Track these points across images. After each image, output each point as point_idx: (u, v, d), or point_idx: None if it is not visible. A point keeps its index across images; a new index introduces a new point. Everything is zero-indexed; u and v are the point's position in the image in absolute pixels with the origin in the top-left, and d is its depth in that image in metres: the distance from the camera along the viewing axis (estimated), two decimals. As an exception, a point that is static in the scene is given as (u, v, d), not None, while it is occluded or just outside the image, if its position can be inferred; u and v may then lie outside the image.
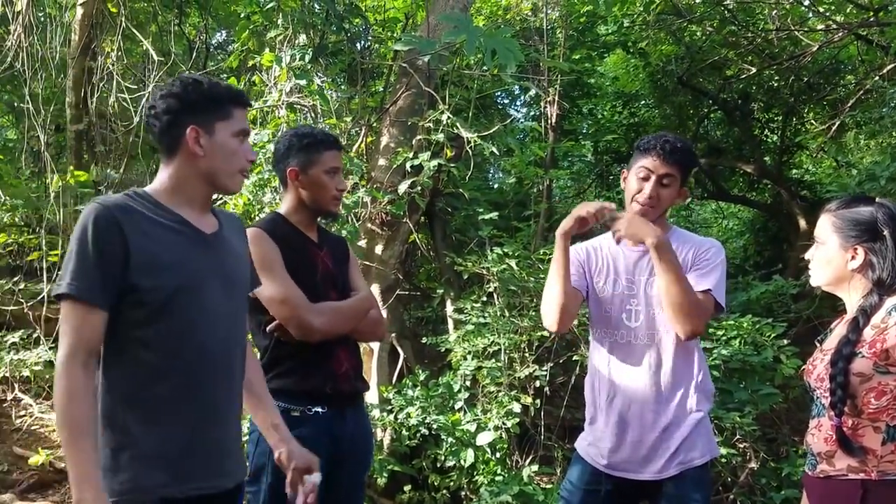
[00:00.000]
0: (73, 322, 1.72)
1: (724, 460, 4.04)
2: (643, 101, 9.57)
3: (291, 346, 2.40)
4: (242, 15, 5.48)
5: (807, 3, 7.86)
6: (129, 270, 1.75)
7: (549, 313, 2.52)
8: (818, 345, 2.17)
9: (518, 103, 9.46)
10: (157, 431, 1.80)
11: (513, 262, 4.80)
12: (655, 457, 2.44)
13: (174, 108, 1.87)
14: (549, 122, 6.92)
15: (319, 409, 2.41)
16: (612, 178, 9.01)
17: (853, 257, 2.03)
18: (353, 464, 2.55)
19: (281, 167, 2.58)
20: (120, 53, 5.67)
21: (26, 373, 5.29)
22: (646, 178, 2.45)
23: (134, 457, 1.78)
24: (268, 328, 2.41)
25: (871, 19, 6.92)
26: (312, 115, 5.00)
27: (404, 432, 4.35)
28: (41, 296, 5.48)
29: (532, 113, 8.93)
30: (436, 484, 4.31)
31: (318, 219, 2.65)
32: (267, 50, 5.04)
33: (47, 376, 5.36)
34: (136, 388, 1.80)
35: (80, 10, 5.63)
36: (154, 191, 1.91)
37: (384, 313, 4.78)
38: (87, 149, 6.07)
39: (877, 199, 2.08)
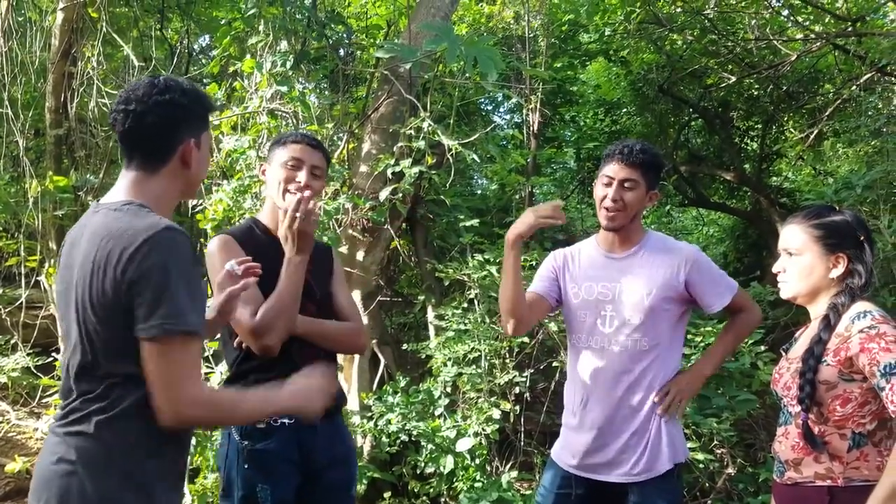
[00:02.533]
0: (194, 357, 1.62)
1: (701, 466, 4.07)
2: (625, 109, 9.63)
3: (259, 361, 2.31)
4: (224, 21, 5.48)
5: (786, 13, 7.96)
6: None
7: (504, 318, 2.58)
8: (784, 353, 2.20)
9: (501, 110, 9.51)
10: (169, 479, 1.73)
11: (494, 269, 4.81)
12: (623, 461, 2.48)
13: (176, 118, 1.75)
14: (532, 129, 6.96)
15: (286, 421, 2.34)
16: (594, 184, 9.05)
17: (835, 265, 2.05)
18: (337, 478, 2.48)
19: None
20: (100, 58, 5.65)
21: (3, 379, 5.24)
22: (608, 184, 2.50)
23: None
24: (235, 342, 2.35)
25: (849, 29, 7.02)
26: (294, 121, 5.00)
27: (384, 439, 4.35)
28: (19, 301, 5.43)
29: (515, 120, 8.97)
30: (416, 491, 4.31)
31: None
32: (248, 56, 5.04)
33: (24, 383, 5.32)
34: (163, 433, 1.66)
35: (60, 15, 5.60)
36: (139, 198, 1.74)
37: (365, 320, 4.79)
38: (67, 154, 6.04)
39: (838, 208, 2.12)
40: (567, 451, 2.60)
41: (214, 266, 2.33)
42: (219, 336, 2.51)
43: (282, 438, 2.35)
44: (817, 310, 2.10)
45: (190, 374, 1.57)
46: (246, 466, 2.32)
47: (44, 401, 5.10)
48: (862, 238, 2.05)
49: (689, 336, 4.47)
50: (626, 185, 2.47)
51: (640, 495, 2.46)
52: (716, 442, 4.23)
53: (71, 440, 1.62)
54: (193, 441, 3.86)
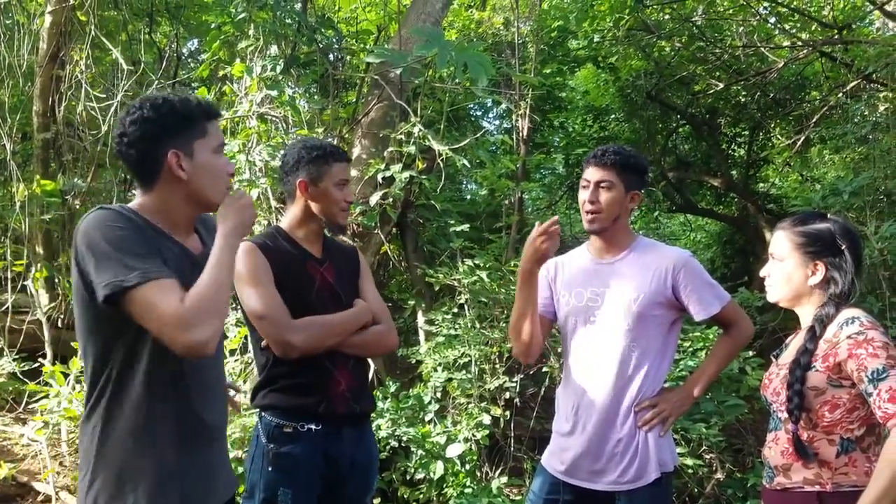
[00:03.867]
0: (162, 295, 1.63)
1: (690, 471, 4.08)
2: (613, 115, 9.68)
3: (288, 366, 2.34)
4: (213, 25, 5.46)
5: (773, 20, 8.02)
6: None
7: (517, 348, 2.61)
8: (774, 359, 2.21)
9: (491, 115, 9.53)
10: (161, 458, 1.77)
11: (484, 274, 4.81)
12: (611, 468, 2.47)
13: (150, 135, 1.76)
14: (521, 134, 6.97)
15: (312, 427, 2.35)
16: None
17: (813, 273, 2.07)
18: (355, 486, 2.48)
19: (290, 179, 2.51)
20: (89, 62, 5.61)
21: (-11, 384, 5.19)
22: (586, 187, 2.53)
23: (139, 486, 1.74)
24: (262, 344, 2.38)
25: (835, 37, 7.09)
26: (283, 125, 4.99)
27: (374, 444, 4.33)
28: (5, 306, 5.39)
29: (504, 125, 8.99)
30: (405, 497, 4.30)
31: (325, 231, 2.60)
32: (238, 60, 5.03)
33: (10, 388, 5.27)
34: (144, 417, 1.75)
35: (48, 18, 5.57)
36: (142, 209, 1.81)
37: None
38: (55, 158, 5.99)
39: (828, 215, 2.13)
40: (556, 457, 2.59)
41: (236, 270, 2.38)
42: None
43: (307, 444, 2.35)
44: (805, 314, 2.12)
45: (161, 300, 1.62)
46: (270, 469, 2.33)
47: (30, 407, 5.05)
48: (843, 247, 2.06)
49: (678, 341, 4.47)
50: (601, 185, 2.49)
51: (628, 503, 2.46)
52: (704, 447, 4.24)
53: None
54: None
